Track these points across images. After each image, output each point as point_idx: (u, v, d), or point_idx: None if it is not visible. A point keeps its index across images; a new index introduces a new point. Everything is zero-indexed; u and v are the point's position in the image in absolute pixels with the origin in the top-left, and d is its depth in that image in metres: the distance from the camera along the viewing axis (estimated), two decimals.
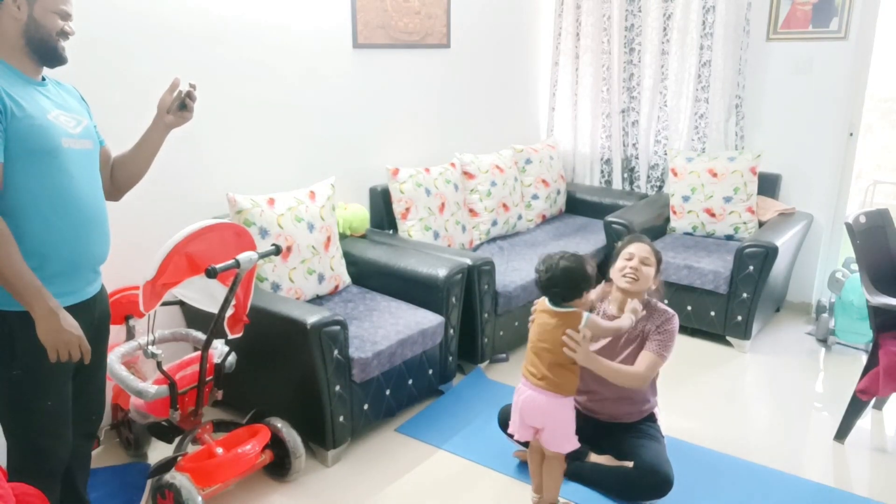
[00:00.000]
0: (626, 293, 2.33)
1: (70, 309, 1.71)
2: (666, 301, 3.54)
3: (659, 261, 2.37)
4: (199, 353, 2.23)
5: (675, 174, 3.89)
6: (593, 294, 2.33)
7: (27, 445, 1.78)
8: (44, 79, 1.76)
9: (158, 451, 2.54)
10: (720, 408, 2.95)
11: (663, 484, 2.22)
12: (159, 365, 2.14)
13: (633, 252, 2.34)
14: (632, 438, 2.36)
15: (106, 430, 2.63)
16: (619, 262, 2.36)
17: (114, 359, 2.23)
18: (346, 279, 3.06)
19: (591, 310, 2.26)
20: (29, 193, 1.64)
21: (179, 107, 1.91)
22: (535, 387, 2.13)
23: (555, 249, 3.93)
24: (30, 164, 1.63)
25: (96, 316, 1.88)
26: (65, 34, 1.72)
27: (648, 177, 4.35)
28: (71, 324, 1.67)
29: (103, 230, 1.83)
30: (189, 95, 1.92)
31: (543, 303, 2.17)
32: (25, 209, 1.64)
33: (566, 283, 2.09)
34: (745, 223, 3.75)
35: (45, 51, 1.70)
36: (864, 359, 3.04)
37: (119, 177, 1.97)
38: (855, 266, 3.15)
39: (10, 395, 1.73)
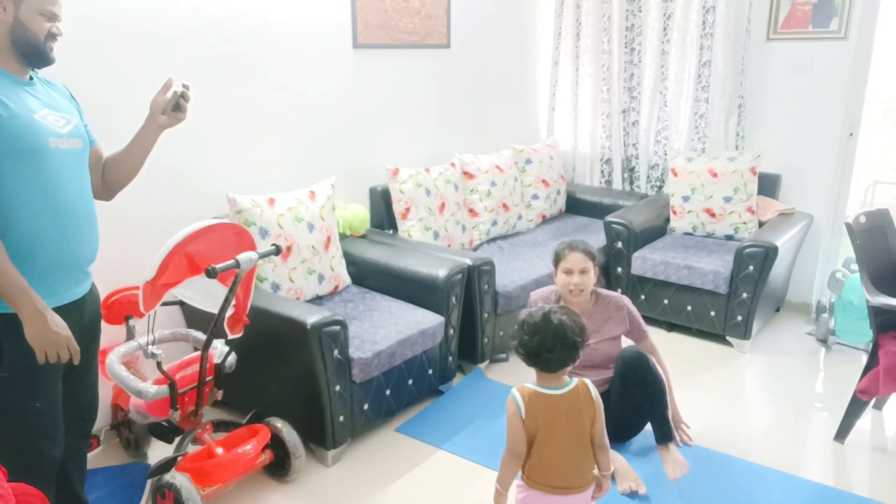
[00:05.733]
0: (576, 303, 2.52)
1: (58, 310, 1.71)
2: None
3: (594, 258, 2.50)
4: (199, 353, 2.22)
5: (675, 174, 3.89)
6: None
7: (19, 447, 1.77)
8: (31, 78, 1.75)
9: (158, 451, 2.54)
10: (720, 408, 2.95)
11: (638, 355, 2.44)
12: (159, 365, 2.14)
13: (571, 266, 2.47)
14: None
15: (106, 430, 2.63)
16: (560, 276, 2.52)
17: (114, 359, 2.23)
18: (346, 279, 3.06)
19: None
20: (15, 193, 1.63)
21: (173, 107, 1.89)
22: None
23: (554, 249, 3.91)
24: (16, 164, 1.62)
25: (86, 317, 1.87)
26: (52, 36, 1.71)
27: (648, 177, 4.35)
28: (59, 324, 1.66)
29: (91, 230, 1.82)
30: (183, 96, 1.90)
31: (530, 392, 1.78)
32: (11, 209, 1.63)
33: (567, 343, 1.75)
34: (745, 223, 3.75)
35: (31, 52, 1.68)
36: (864, 359, 3.04)
37: (111, 177, 1.96)
38: (855, 266, 3.15)
39: None
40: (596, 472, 1.87)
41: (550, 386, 1.79)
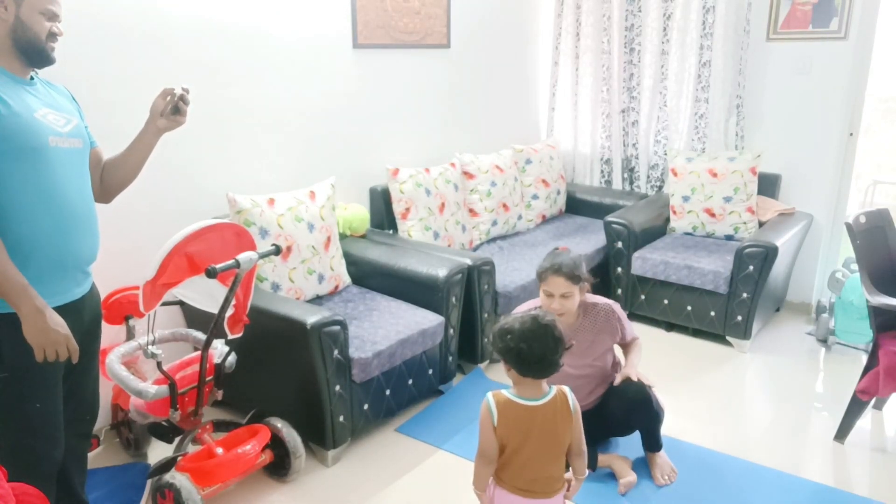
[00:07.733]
0: None
1: (58, 310, 1.70)
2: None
3: (579, 280, 2.32)
4: (199, 353, 2.23)
5: (675, 174, 3.89)
6: None
7: (19, 447, 1.77)
8: (32, 78, 1.75)
9: (158, 451, 2.54)
10: (720, 408, 2.95)
11: (642, 396, 2.33)
12: (159, 365, 2.14)
13: (552, 290, 2.31)
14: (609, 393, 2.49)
15: (106, 430, 2.63)
16: (542, 296, 2.36)
17: (114, 359, 2.23)
18: (346, 279, 3.06)
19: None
20: (14, 192, 1.63)
21: (172, 111, 1.90)
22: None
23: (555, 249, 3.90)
24: (15, 163, 1.62)
25: (86, 317, 1.87)
26: (53, 36, 1.71)
27: (648, 177, 4.35)
28: (58, 322, 1.66)
29: (91, 230, 1.82)
30: (182, 99, 1.90)
31: (506, 400, 1.75)
32: (10, 208, 1.63)
33: (562, 344, 1.73)
34: (745, 223, 3.75)
35: (32, 52, 1.69)
36: (864, 359, 3.04)
37: (109, 180, 1.96)
38: (855, 266, 3.15)
39: None
40: (570, 474, 1.86)
41: (527, 396, 1.75)
